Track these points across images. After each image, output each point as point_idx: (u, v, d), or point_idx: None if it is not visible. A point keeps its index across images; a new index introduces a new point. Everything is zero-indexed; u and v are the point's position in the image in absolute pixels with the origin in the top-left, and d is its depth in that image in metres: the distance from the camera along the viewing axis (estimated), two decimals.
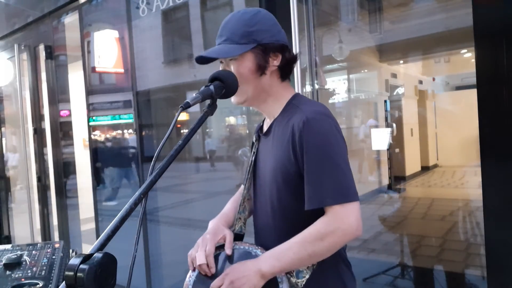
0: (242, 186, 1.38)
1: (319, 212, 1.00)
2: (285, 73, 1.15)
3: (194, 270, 1.10)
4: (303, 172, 1.01)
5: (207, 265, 1.08)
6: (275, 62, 1.11)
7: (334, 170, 0.98)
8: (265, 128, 1.21)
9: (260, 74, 1.10)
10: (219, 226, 1.18)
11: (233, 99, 1.12)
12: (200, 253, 1.09)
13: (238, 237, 1.20)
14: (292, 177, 1.04)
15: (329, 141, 1.00)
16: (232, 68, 1.10)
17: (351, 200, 0.97)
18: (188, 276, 1.11)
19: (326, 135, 1.00)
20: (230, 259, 1.10)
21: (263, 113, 1.21)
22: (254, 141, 1.27)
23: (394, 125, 6.10)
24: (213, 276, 1.06)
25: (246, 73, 1.09)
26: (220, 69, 1.13)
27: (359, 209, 0.99)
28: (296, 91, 1.23)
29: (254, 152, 1.23)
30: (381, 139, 2.89)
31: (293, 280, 1.03)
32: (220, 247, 1.13)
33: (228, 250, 1.10)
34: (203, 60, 1.10)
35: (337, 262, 1.06)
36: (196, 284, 1.08)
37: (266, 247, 1.10)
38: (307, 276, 1.03)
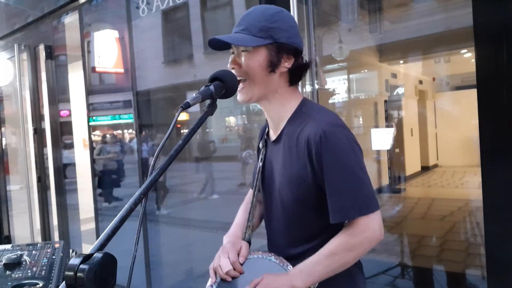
0: (250, 191, 1.37)
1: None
2: (295, 78, 1.13)
3: (215, 280, 1.10)
4: (320, 183, 1.02)
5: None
6: (286, 63, 1.09)
7: (355, 182, 1.00)
8: (272, 134, 1.19)
9: (269, 72, 1.08)
10: (235, 238, 1.20)
11: (238, 97, 1.11)
12: (224, 261, 1.10)
13: None
14: (308, 188, 1.04)
15: (347, 153, 1.01)
16: (243, 60, 1.08)
17: (373, 210, 1.00)
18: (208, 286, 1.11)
19: (344, 148, 1.01)
20: (247, 266, 1.10)
21: (267, 115, 1.18)
22: (260, 147, 1.25)
23: (394, 125, 6.10)
24: (233, 285, 1.06)
25: (255, 67, 1.07)
26: (230, 59, 1.11)
27: (380, 217, 1.02)
28: None
29: (261, 159, 1.22)
30: (382, 139, 2.89)
31: None
32: None
33: (241, 259, 1.11)
34: (216, 45, 1.09)
35: None
36: None
37: (279, 252, 1.11)
38: None
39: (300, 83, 1.19)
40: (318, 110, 1.10)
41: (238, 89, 1.10)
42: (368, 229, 1.00)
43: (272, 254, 1.11)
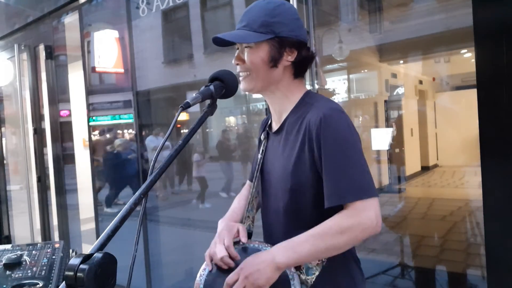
0: (248, 182, 1.38)
1: (335, 210, 0.99)
2: (299, 70, 1.14)
3: (211, 268, 1.09)
4: (319, 170, 1.01)
5: (230, 257, 1.07)
6: (289, 57, 1.09)
7: (353, 166, 0.98)
8: (274, 126, 1.20)
9: (271, 66, 1.09)
10: (230, 223, 1.19)
11: (241, 85, 1.12)
12: (219, 247, 1.08)
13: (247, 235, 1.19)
14: (306, 175, 1.03)
15: (347, 137, 1.00)
16: (246, 56, 1.09)
17: (371, 196, 0.97)
18: (198, 275, 1.10)
19: (344, 131, 1.00)
20: (243, 254, 1.09)
21: (271, 107, 1.19)
22: (262, 139, 1.25)
23: (394, 125, 6.10)
24: (226, 272, 1.05)
25: (258, 62, 1.08)
26: (235, 54, 1.12)
27: (378, 205, 0.98)
28: None
29: (262, 150, 1.22)
30: (382, 139, 2.89)
31: (303, 277, 1.02)
32: (235, 244, 1.12)
33: (243, 239, 1.10)
34: (219, 42, 1.10)
35: (347, 259, 1.05)
36: (207, 281, 1.08)
37: (275, 244, 1.10)
38: (317, 273, 1.03)
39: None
40: (321, 99, 1.11)
41: (241, 78, 1.12)
42: (363, 215, 0.96)
43: (269, 245, 1.10)
